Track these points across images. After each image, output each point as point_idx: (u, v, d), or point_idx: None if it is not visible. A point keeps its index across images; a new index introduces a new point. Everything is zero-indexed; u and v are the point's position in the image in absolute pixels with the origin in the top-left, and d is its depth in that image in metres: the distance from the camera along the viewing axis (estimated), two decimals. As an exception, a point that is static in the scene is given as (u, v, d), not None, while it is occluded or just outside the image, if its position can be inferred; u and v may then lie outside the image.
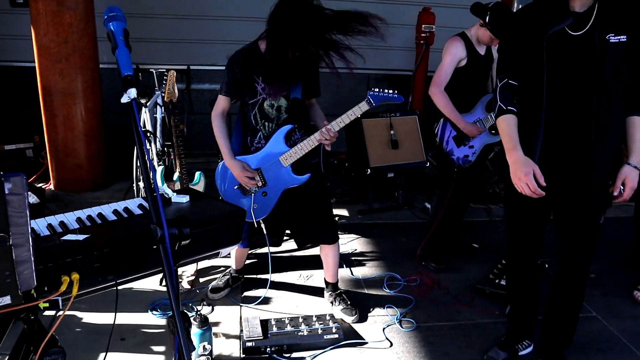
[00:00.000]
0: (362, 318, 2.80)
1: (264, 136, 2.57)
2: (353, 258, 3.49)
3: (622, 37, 1.90)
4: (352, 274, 3.27)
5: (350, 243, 3.70)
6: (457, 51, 3.07)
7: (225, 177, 2.68)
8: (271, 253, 2.93)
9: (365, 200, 4.30)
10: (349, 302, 2.83)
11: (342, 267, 3.28)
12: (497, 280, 3.11)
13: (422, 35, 4.99)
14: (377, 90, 2.54)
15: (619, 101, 1.97)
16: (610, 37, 1.90)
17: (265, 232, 2.70)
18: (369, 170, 4.10)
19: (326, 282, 2.93)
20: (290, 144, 2.58)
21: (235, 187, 2.66)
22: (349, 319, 2.77)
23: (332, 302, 2.87)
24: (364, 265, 3.41)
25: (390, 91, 2.55)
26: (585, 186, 2.04)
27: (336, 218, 3.84)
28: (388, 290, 3.09)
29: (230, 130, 2.67)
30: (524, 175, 1.96)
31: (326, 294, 2.93)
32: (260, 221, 2.68)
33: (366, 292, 3.09)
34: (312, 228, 2.77)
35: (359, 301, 2.93)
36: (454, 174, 3.20)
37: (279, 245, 3.12)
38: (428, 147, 4.24)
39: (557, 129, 2.01)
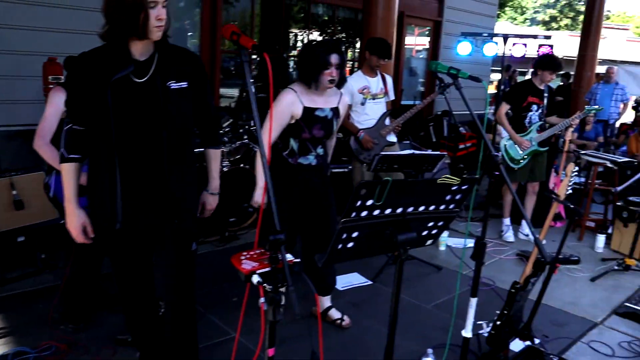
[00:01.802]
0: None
1: None
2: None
3: (183, 83, 2.13)
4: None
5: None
6: (60, 101, 3.01)
7: None
8: None
9: (-2, 271, 3.82)
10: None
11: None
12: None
13: (50, 87, 4.76)
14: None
15: (189, 139, 2.22)
16: (171, 84, 2.10)
17: None
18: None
19: None
20: None
21: None
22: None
23: None
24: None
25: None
26: (170, 220, 2.20)
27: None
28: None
29: None
30: (74, 229, 2.18)
31: None
32: None
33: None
34: None
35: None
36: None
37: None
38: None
39: (134, 171, 2.13)
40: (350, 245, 1.79)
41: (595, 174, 5.47)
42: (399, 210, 1.78)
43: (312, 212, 3.21)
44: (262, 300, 1.61)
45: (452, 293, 3.99)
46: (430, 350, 2.81)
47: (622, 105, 9.05)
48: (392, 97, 4.78)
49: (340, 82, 3.04)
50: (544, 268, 2.82)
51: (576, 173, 2.68)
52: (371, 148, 4.51)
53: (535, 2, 36.42)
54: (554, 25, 35.28)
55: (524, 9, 36.16)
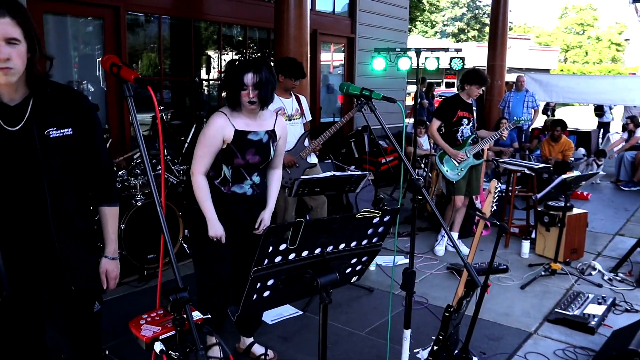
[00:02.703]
0: None
1: None
2: None
3: (66, 130, 1.84)
4: None
5: None
6: None
7: None
8: None
9: None
10: None
11: None
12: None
13: None
14: None
15: (80, 194, 1.94)
16: (51, 132, 1.80)
17: None
18: None
19: None
20: None
21: None
22: None
23: None
24: None
25: None
26: (61, 285, 1.92)
27: None
28: None
29: None
30: None
31: None
32: None
33: None
34: None
35: None
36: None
37: None
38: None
39: (15, 233, 1.83)
40: (266, 294, 1.59)
41: (514, 181, 5.58)
42: (317, 250, 1.60)
43: (239, 249, 2.98)
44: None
45: (386, 316, 3.87)
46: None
47: (533, 112, 9.44)
48: (308, 117, 4.64)
49: (264, 102, 2.77)
50: (476, 288, 2.75)
51: (499, 189, 2.62)
52: (293, 165, 4.34)
53: (444, 15, 38.07)
54: (462, 37, 37.01)
55: (434, 23, 37.69)
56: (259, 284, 1.54)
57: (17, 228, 1.83)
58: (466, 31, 37.36)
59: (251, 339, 3.33)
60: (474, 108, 5.24)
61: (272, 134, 2.87)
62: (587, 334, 3.63)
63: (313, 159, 4.60)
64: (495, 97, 10.58)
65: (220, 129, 2.72)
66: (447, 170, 5.20)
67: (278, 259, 1.52)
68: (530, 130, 10.08)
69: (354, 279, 1.89)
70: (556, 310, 3.95)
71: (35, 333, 2.06)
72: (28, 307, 1.98)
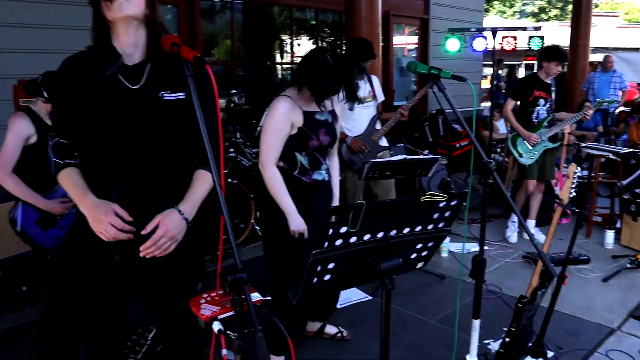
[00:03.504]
0: None
1: None
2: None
3: (179, 94, 1.83)
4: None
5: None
6: (22, 128, 2.81)
7: None
8: None
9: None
10: None
11: None
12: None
13: (22, 112, 4.57)
14: None
15: (184, 155, 1.91)
16: (165, 95, 1.80)
17: None
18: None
19: None
20: None
21: None
22: None
23: None
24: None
25: None
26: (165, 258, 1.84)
27: None
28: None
29: None
30: (104, 215, 1.70)
31: None
32: None
33: None
34: None
35: None
36: (47, 261, 2.89)
37: None
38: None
39: (129, 192, 1.83)
40: (327, 277, 1.57)
41: (598, 167, 5.24)
42: (380, 235, 1.55)
43: None
44: (224, 352, 1.38)
45: (458, 302, 3.76)
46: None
47: (620, 93, 8.83)
48: (381, 98, 4.51)
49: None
50: (551, 279, 2.60)
51: (578, 174, 2.45)
52: (361, 150, 4.27)
53: (525, -6, 36.31)
54: (543, 16, 35.13)
55: (513, 2, 36.03)
56: (319, 267, 1.51)
57: (129, 187, 1.83)
58: (547, 10, 35.44)
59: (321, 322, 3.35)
60: (553, 89, 4.95)
61: (333, 114, 2.79)
62: (678, 333, 3.37)
63: (384, 142, 4.51)
64: (578, 78, 9.99)
65: (288, 112, 2.61)
66: (519, 154, 4.97)
67: (339, 242, 1.48)
68: (617, 113, 9.43)
69: (420, 264, 1.82)
70: (643, 305, 3.69)
71: (124, 306, 2.03)
72: (130, 284, 1.96)
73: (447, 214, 1.66)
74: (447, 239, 4.84)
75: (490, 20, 27.96)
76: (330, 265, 1.54)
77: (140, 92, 1.80)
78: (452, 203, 1.63)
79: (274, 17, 7.45)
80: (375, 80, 4.48)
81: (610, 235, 4.90)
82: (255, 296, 1.47)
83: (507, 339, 2.60)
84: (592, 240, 5.11)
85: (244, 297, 1.40)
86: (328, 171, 2.80)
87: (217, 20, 6.89)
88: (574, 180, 2.42)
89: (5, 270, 3.80)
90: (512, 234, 5.14)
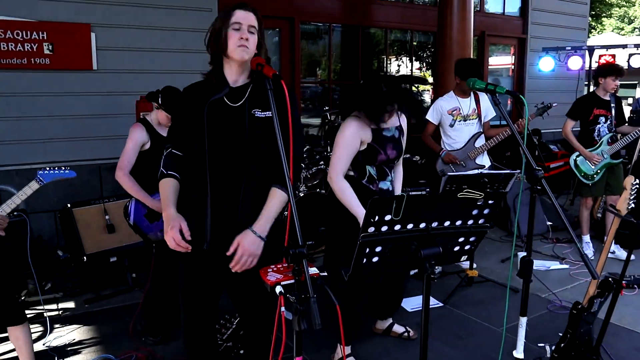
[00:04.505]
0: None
1: None
2: (69, 348, 3.40)
3: (267, 112, 2.17)
4: (63, 365, 3.21)
5: (70, 334, 3.61)
6: (139, 136, 3.34)
7: None
8: None
9: (94, 289, 4.25)
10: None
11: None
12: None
13: (142, 122, 5.25)
14: (48, 169, 2.67)
15: (269, 169, 2.22)
16: (256, 112, 2.18)
17: None
18: (85, 257, 4.09)
19: None
20: None
21: None
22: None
23: None
24: (79, 353, 3.35)
25: (63, 169, 2.72)
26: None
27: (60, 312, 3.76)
28: (100, 373, 3.09)
29: None
30: (171, 230, 2.08)
31: None
32: None
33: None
34: None
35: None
36: (153, 249, 3.40)
37: None
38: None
39: (221, 195, 2.22)
40: (375, 259, 1.85)
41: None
42: (422, 225, 1.82)
43: None
44: (283, 309, 1.71)
45: (528, 316, 3.83)
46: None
47: None
48: (488, 117, 4.68)
49: (413, 111, 2.98)
50: (611, 289, 2.69)
51: (637, 185, 2.53)
52: (454, 163, 4.51)
53: (646, 9, 33.98)
54: (667, 33, 32.65)
55: (632, 18, 33.85)
56: (367, 249, 1.81)
57: (221, 191, 2.20)
58: (673, 27, 32.90)
59: (390, 320, 3.59)
60: (612, 105, 4.94)
61: (400, 129, 3.08)
62: None
63: (484, 160, 4.69)
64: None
65: (357, 130, 2.91)
66: (582, 174, 5.02)
67: (384, 228, 1.77)
68: None
69: (463, 258, 2.05)
70: None
71: (216, 291, 2.38)
72: (218, 270, 2.28)
73: (485, 211, 1.89)
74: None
75: (603, 38, 26.50)
76: (378, 249, 1.82)
77: (239, 110, 2.20)
78: (490, 202, 1.86)
79: (370, 38, 7.82)
80: (484, 98, 4.65)
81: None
82: (313, 270, 1.79)
83: (561, 344, 2.71)
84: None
85: (303, 269, 1.72)
86: (392, 182, 3.11)
87: (317, 42, 7.39)
88: (633, 191, 2.50)
89: (119, 258, 4.41)
90: (588, 252, 5.10)
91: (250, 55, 2.12)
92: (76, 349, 3.41)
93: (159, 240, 3.33)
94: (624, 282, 3.99)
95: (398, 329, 3.58)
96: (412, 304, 4.08)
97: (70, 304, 4.14)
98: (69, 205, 4.22)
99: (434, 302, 4.15)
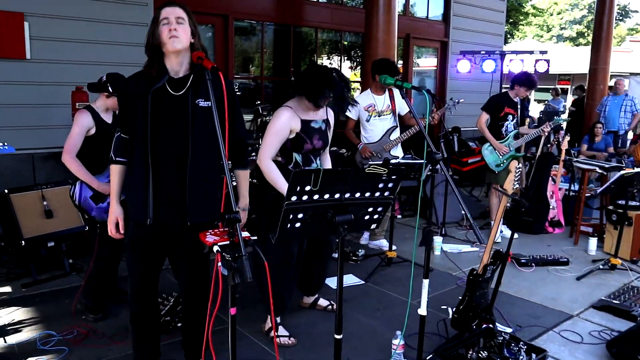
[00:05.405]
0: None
1: None
2: (9, 328, 3.53)
3: (209, 102, 2.40)
4: (5, 342, 3.33)
5: (9, 315, 3.73)
6: (85, 121, 3.52)
7: None
8: None
9: (31, 274, 4.35)
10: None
11: (-5, 337, 3.32)
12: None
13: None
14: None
15: (211, 155, 2.53)
16: (200, 102, 2.45)
17: None
18: (22, 242, 4.20)
19: None
20: None
21: None
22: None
23: None
24: (20, 331, 3.49)
25: (1, 145, 2.92)
26: (186, 223, 2.54)
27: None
28: (41, 347, 3.25)
29: None
30: (110, 223, 2.60)
31: None
32: None
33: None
34: None
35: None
36: (97, 229, 3.59)
37: None
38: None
39: (163, 175, 2.49)
40: (297, 225, 2.19)
41: (586, 180, 5.72)
42: (337, 196, 2.17)
43: None
44: (219, 264, 2.01)
45: (439, 290, 4.32)
46: (398, 333, 3.14)
47: (632, 117, 9.20)
48: (404, 110, 5.11)
49: (341, 104, 3.29)
50: (502, 258, 3.16)
51: (520, 170, 3.01)
52: (369, 157, 4.93)
53: (562, 19, 36.39)
54: (581, 40, 35.11)
55: (550, 27, 36.14)
56: (291, 215, 2.14)
57: (164, 172, 2.48)
58: (586, 34, 35.43)
59: (315, 295, 3.95)
60: (519, 107, 5.67)
61: (327, 122, 3.42)
62: (629, 321, 3.78)
63: (397, 152, 5.15)
64: (595, 101, 10.41)
65: (288, 120, 3.22)
66: (491, 162, 5.71)
67: (305, 197, 2.11)
68: (629, 136, 9.79)
69: (373, 226, 2.43)
70: (603, 298, 4.15)
71: (156, 270, 2.72)
72: (160, 243, 2.63)
73: (390, 185, 2.27)
74: (440, 239, 5.40)
75: (524, 44, 28.20)
76: (300, 215, 2.16)
77: (182, 98, 2.47)
78: (393, 177, 2.24)
79: (302, 37, 8.18)
80: (397, 94, 5.08)
81: (592, 242, 5.37)
82: (245, 234, 2.10)
83: (460, 307, 3.16)
84: (578, 247, 5.58)
85: (236, 231, 2.03)
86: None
87: (251, 39, 7.66)
88: (517, 174, 2.98)
89: (56, 243, 4.52)
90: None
91: (183, 44, 2.40)
92: (17, 327, 3.54)
93: (103, 221, 3.53)
94: (522, 260, 4.57)
95: (323, 302, 3.94)
96: (336, 281, 4.45)
97: (7, 289, 4.23)
98: (6, 190, 4.30)
99: (356, 280, 4.56)
